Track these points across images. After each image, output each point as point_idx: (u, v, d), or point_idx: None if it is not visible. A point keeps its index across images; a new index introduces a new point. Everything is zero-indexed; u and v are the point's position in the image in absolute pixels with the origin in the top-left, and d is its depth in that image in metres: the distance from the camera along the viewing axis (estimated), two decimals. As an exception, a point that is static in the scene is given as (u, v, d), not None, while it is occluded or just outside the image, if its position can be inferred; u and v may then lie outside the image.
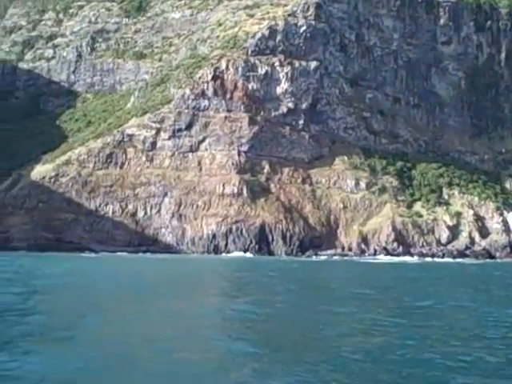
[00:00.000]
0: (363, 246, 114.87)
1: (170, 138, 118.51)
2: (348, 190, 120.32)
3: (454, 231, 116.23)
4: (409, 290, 36.71)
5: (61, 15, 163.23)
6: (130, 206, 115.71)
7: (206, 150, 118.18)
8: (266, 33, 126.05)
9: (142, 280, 42.82)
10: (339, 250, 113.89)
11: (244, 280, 44.54)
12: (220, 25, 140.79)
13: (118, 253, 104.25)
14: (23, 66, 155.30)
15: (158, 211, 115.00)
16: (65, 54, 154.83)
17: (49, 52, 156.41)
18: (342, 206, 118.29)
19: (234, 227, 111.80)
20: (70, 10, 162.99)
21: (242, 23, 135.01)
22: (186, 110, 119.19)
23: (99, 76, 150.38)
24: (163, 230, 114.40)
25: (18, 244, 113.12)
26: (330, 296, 32.11)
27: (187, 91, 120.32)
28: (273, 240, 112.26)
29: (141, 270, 56.90)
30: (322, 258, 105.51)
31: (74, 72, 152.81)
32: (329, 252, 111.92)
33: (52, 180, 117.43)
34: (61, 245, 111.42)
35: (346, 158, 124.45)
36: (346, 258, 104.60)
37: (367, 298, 29.66)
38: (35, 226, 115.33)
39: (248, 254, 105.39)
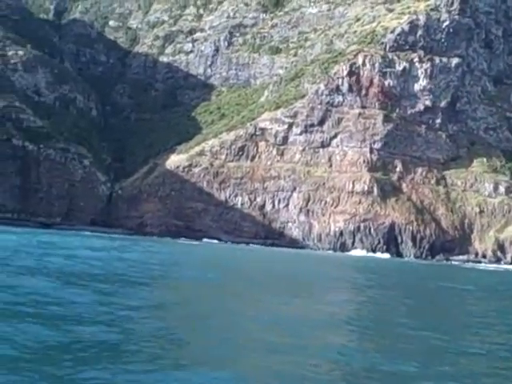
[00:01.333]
0: (499, 253, 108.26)
1: (301, 133, 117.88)
2: (486, 193, 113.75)
3: None
4: None
5: (201, 10, 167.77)
6: (259, 199, 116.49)
7: (338, 146, 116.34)
8: (406, 28, 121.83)
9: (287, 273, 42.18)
10: (472, 257, 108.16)
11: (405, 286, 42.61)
12: (358, 20, 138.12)
13: (243, 244, 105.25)
14: (163, 59, 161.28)
15: (286, 205, 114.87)
16: (203, 48, 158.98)
17: (188, 46, 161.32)
18: (478, 210, 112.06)
19: (362, 226, 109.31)
20: (210, 5, 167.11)
21: (380, 18, 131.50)
22: (320, 106, 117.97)
23: (234, 70, 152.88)
24: (290, 224, 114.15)
25: (150, 230, 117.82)
26: None
27: (321, 86, 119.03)
28: (402, 241, 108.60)
29: (288, 264, 56.39)
30: (454, 263, 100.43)
31: (210, 66, 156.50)
32: (461, 258, 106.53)
33: (185, 170, 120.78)
34: (190, 232, 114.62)
35: (485, 159, 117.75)
36: (479, 265, 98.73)
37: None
38: (167, 213, 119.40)
39: (380, 255, 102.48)
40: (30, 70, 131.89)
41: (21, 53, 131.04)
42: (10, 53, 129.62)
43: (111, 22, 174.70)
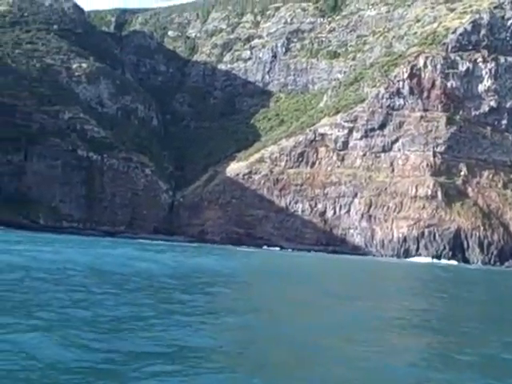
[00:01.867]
0: None
1: (362, 138, 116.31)
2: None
3: None
4: None
5: (258, 17, 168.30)
6: (320, 205, 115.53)
7: (399, 150, 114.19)
8: (469, 27, 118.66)
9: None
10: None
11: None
12: (418, 21, 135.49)
13: (304, 251, 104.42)
14: (222, 67, 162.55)
15: (348, 211, 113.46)
16: (261, 54, 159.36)
17: (246, 53, 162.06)
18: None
19: (426, 231, 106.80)
20: (267, 12, 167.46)
21: (441, 18, 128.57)
22: (380, 110, 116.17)
23: (292, 76, 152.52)
24: (352, 230, 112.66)
25: (212, 237, 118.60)
26: None
27: (382, 90, 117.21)
28: (468, 247, 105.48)
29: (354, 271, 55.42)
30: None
31: (268, 72, 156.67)
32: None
33: (245, 177, 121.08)
34: (251, 240, 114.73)
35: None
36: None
37: None
38: (228, 221, 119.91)
39: (445, 261, 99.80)
40: (93, 82, 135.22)
41: (84, 65, 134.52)
42: (74, 65, 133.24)
43: (170, 32, 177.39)
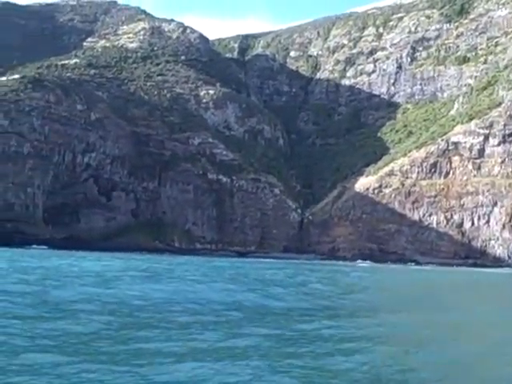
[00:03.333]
0: None
1: (499, 144, 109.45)
2: None
3: None
4: None
5: (380, 29, 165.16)
6: (456, 217, 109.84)
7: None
8: None
9: None
10: None
11: None
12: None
13: (444, 266, 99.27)
14: (345, 82, 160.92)
15: (487, 222, 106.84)
16: (385, 66, 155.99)
17: (369, 66, 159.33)
18: None
19: None
20: (390, 23, 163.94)
21: None
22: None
23: (419, 85, 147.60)
24: (492, 242, 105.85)
25: (343, 254, 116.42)
26: None
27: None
28: None
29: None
30: None
31: (393, 84, 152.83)
32: None
33: (375, 191, 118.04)
34: (384, 255, 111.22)
35: None
36: None
37: None
38: (359, 237, 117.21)
39: None
40: (221, 107, 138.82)
41: (211, 92, 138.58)
42: (201, 93, 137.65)
43: (292, 53, 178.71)
